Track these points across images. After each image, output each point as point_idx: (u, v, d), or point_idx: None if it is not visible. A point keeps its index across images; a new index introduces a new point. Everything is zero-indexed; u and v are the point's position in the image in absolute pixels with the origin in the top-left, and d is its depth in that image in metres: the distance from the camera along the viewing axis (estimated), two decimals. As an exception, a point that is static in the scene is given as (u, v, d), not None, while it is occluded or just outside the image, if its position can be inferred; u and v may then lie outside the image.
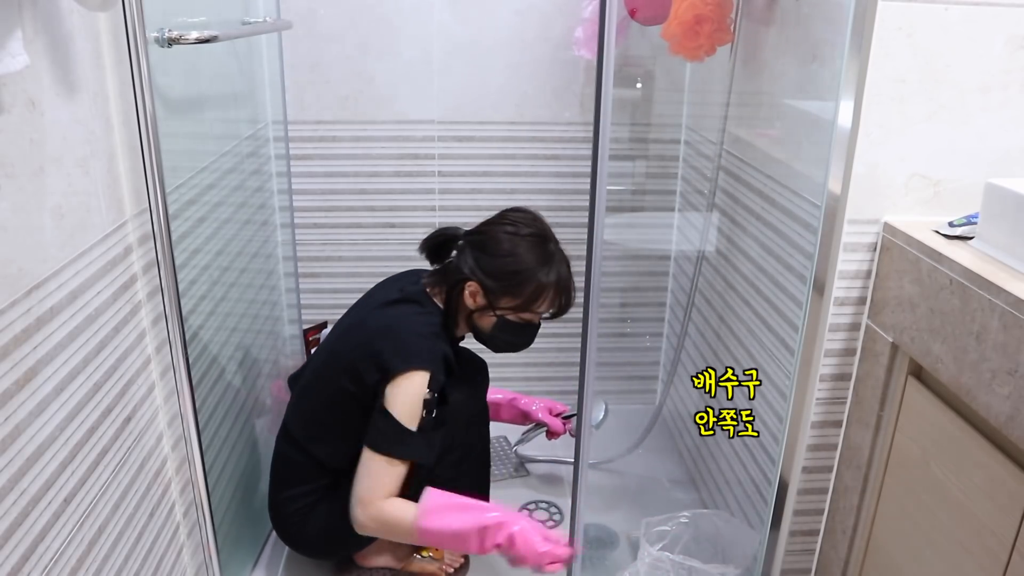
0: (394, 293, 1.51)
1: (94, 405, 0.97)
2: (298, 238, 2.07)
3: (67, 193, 0.91)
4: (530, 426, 1.89)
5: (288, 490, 1.55)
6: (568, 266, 1.49)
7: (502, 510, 1.36)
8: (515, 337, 1.53)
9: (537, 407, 1.86)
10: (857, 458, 1.31)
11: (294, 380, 1.64)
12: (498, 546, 1.32)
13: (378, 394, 1.38)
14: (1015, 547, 0.96)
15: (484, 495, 1.62)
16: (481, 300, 1.47)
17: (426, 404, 1.37)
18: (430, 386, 1.38)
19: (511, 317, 1.48)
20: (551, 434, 1.84)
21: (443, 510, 1.36)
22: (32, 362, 0.83)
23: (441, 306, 1.50)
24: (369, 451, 1.37)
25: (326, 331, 2.09)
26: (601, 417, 1.84)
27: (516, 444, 2.03)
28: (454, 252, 1.53)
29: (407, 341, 1.40)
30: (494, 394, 1.81)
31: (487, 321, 1.50)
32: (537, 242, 1.46)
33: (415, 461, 1.39)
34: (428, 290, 1.52)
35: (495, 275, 1.44)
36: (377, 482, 1.36)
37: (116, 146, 1.04)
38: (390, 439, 1.36)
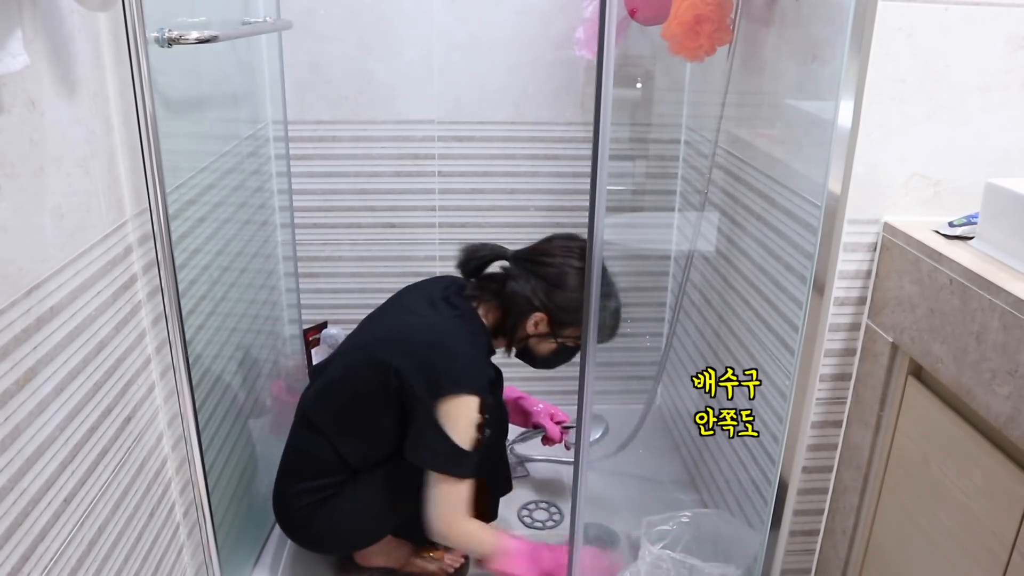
0: (443, 306, 1.50)
1: (94, 405, 0.97)
2: (298, 238, 2.07)
3: (67, 193, 0.91)
4: (529, 428, 1.89)
5: (300, 483, 1.53)
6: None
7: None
8: (564, 359, 1.59)
9: (539, 409, 1.86)
10: (857, 458, 1.31)
11: (319, 371, 1.62)
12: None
13: (421, 406, 1.40)
14: (1015, 547, 0.96)
15: (504, 492, 1.72)
16: (544, 328, 1.51)
17: (479, 427, 1.41)
18: (481, 410, 1.41)
19: (569, 343, 1.54)
20: (547, 439, 1.84)
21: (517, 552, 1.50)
22: (32, 362, 0.83)
23: (488, 323, 1.53)
24: (435, 474, 1.42)
25: (327, 331, 2.10)
26: (598, 436, 1.85)
27: (512, 443, 2.03)
28: (496, 269, 1.57)
29: (461, 364, 1.43)
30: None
31: (545, 347, 1.54)
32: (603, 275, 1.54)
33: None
34: (475, 304, 1.53)
35: (567, 309, 1.49)
36: (455, 500, 1.44)
37: (116, 146, 1.04)
38: (452, 461, 1.41)
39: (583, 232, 1.10)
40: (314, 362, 2.12)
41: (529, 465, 2.06)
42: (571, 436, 1.85)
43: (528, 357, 1.59)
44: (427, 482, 1.43)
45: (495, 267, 1.58)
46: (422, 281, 1.65)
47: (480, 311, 1.53)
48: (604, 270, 1.52)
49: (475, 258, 1.57)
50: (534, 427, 1.87)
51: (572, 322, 1.50)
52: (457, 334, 1.46)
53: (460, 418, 1.40)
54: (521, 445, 2.01)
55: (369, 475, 1.52)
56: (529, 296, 1.49)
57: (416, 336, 1.46)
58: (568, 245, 1.53)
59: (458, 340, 1.45)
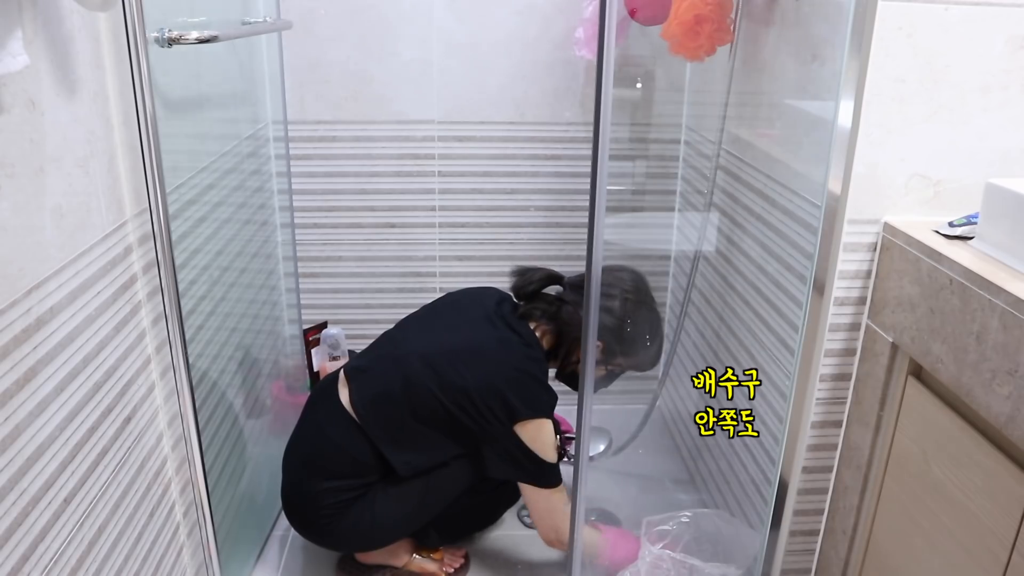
0: (496, 318, 1.54)
1: (94, 405, 0.97)
2: (298, 238, 2.07)
3: (67, 193, 0.91)
4: None
5: (333, 481, 1.51)
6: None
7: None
8: (606, 386, 1.65)
9: None
10: (857, 458, 1.31)
11: (358, 371, 1.56)
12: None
13: (500, 428, 1.46)
14: (1015, 547, 0.96)
15: (513, 502, 1.78)
16: (598, 356, 1.54)
17: (556, 446, 1.52)
18: (555, 431, 1.51)
19: (618, 371, 1.62)
20: None
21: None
22: (32, 362, 0.83)
23: (545, 346, 1.56)
24: (543, 490, 1.52)
25: (327, 331, 2.10)
26: (602, 450, 1.87)
27: None
28: (550, 292, 1.61)
29: (535, 391, 1.49)
30: None
31: (596, 373, 1.55)
32: (653, 312, 1.63)
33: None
34: (532, 327, 1.56)
35: (623, 341, 1.56)
36: (560, 514, 1.51)
37: (116, 146, 1.04)
38: (552, 475, 1.51)
39: (583, 232, 1.10)
40: (314, 362, 2.12)
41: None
42: (572, 448, 1.85)
43: (574, 381, 1.62)
44: (527, 499, 1.55)
45: (548, 289, 1.62)
46: (469, 291, 1.67)
47: (537, 333, 1.56)
48: (656, 304, 1.63)
49: (532, 282, 1.60)
50: None
51: (626, 353, 1.58)
52: (526, 361, 1.50)
53: (541, 439, 1.47)
54: None
55: (400, 482, 1.51)
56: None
57: (486, 358, 1.49)
58: (625, 277, 1.62)
59: (528, 367, 1.50)
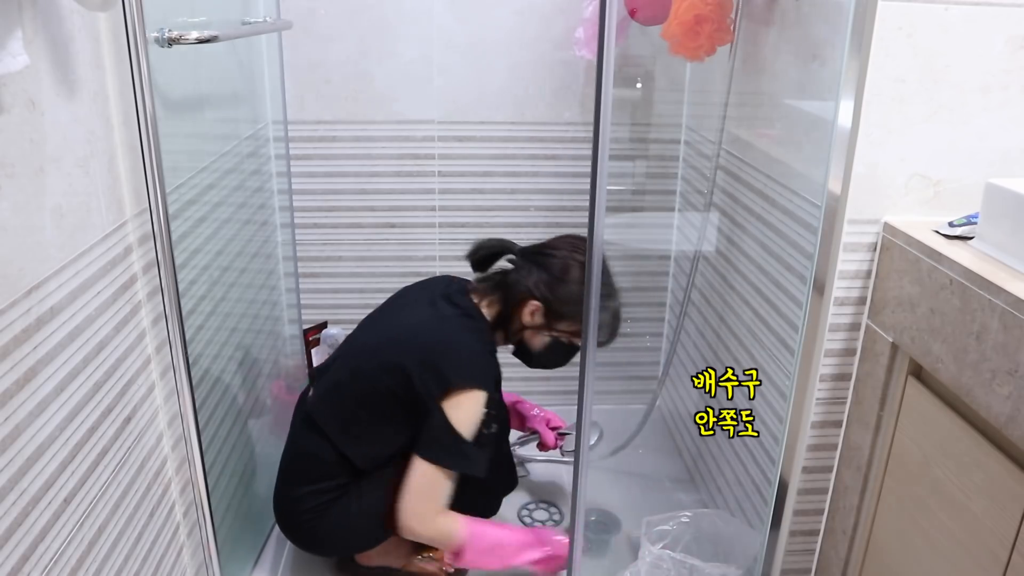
0: (444, 304, 1.50)
1: (94, 405, 0.97)
2: (298, 238, 2.07)
3: (67, 193, 0.91)
4: (526, 432, 1.89)
5: (305, 487, 1.52)
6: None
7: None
8: (559, 357, 1.57)
9: (536, 414, 1.86)
10: (857, 458, 1.31)
11: (320, 373, 1.61)
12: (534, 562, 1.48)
13: (428, 403, 1.40)
14: (1015, 547, 0.96)
15: (509, 489, 1.71)
16: (539, 319, 1.50)
17: (484, 421, 1.42)
18: (487, 405, 1.42)
19: (564, 339, 1.53)
20: (541, 445, 1.84)
21: (487, 544, 1.49)
22: (32, 362, 0.83)
23: (488, 318, 1.52)
24: (427, 464, 1.41)
25: (327, 331, 2.10)
26: (593, 442, 1.86)
27: (512, 445, 2.02)
28: (504, 264, 1.57)
29: (467, 359, 1.43)
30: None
31: (539, 340, 1.53)
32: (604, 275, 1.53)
33: (471, 474, 1.44)
34: (476, 300, 1.53)
35: (565, 300, 1.48)
36: (435, 494, 1.42)
37: (116, 146, 1.04)
38: (453, 453, 1.40)
39: (583, 232, 1.10)
40: (314, 362, 2.12)
41: (529, 465, 2.06)
42: (566, 443, 1.85)
43: (523, 354, 1.59)
44: (411, 470, 1.41)
45: (502, 263, 1.59)
46: (422, 281, 1.65)
47: (482, 306, 1.53)
48: (607, 272, 1.52)
49: (482, 247, 1.57)
50: (530, 432, 1.87)
51: (568, 315, 1.49)
52: (461, 331, 1.46)
53: (465, 411, 1.40)
54: (520, 448, 2.01)
55: (374, 476, 1.52)
56: (529, 286, 1.49)
57: (420, 335, 1.46)
58: (575, 242, 1.54)
59: (462, 336, 1.45)
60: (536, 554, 1.49)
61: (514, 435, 1.92)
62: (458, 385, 1.40)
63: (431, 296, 1.54)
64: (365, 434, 1.49)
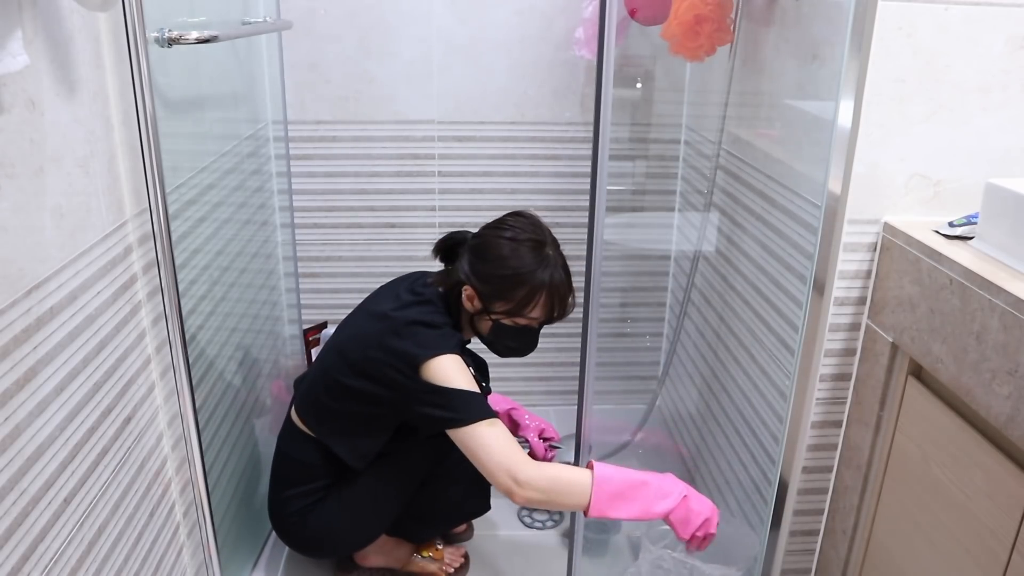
0: (405, 294, 1.50)
1: (94, 405, 0.97)
2: (298, 238, 2.07)
3: (67, 193, 0.91)
4: (519, 439, 1.89)
5: (289, 489, 1.55)
6: (566, 272, 1.46)
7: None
8: (514, 342, 1.52)
9: (529, 423, 1.82)
10: (857, 458, 1.31)
11: (300, 382, 1.63)
12: (668, 511, 1.28)
13: (407, 384, 1.37)
14: (1015, 547, 0.96)
15: (487, 495, 1.64)
16: (477, 304, 1.47)
17: (473, 376, 1.38)
18: (464, 364, 1.39)
19: (506, 321, 1.47)
20: (531, 455, 1.83)
21: (615, 487, 1.28)
22: (32, 362, 0.83)
23: (444, 305, 1.50)
24: (465, 430, 1.31)
25: (327, 331, 2.10)
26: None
27: None
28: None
29: (427, 334, 1.40)
30: (496, 401, 1.82)
31: (484, 325, 1.51)
32: (531, 247, 1.44)
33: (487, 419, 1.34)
34: (439, 289, 1.51)
35: (487, 279, 1.44)
36: (506, 449, 1.30)
37: (116, 146, 1.04)
38: (476, 407, 1.33)
39: (583, 232, 1.10)
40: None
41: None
42: (557, 457, 1.84)
43: (483, 340, 1.56)
44: (462, 449, 1.33)
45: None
46: (392, 280, 1.63)
47: (440, 290, 1.51)
48: (542, 243, 1.43)
49: (444, 239, 1.55)
50: (522, 440, 1.86)
51: (495, 295, 1.44)
52: (420, 315, 1.44)
53: (447, 372, 1.36)
54: None
55: (356, 476, 1.52)
56: (461, 272, 1.47)
57: (380, 326, 1.45)
58: (508, 220, 1.48)
59: (416, 317, 1.43)
60: (670, 503, 1.28)
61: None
62: (426, 356, 1.36)
63: (395, 291, 1.53)
64: (352, 431, 1.49)
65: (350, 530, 1.56)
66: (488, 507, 1.68)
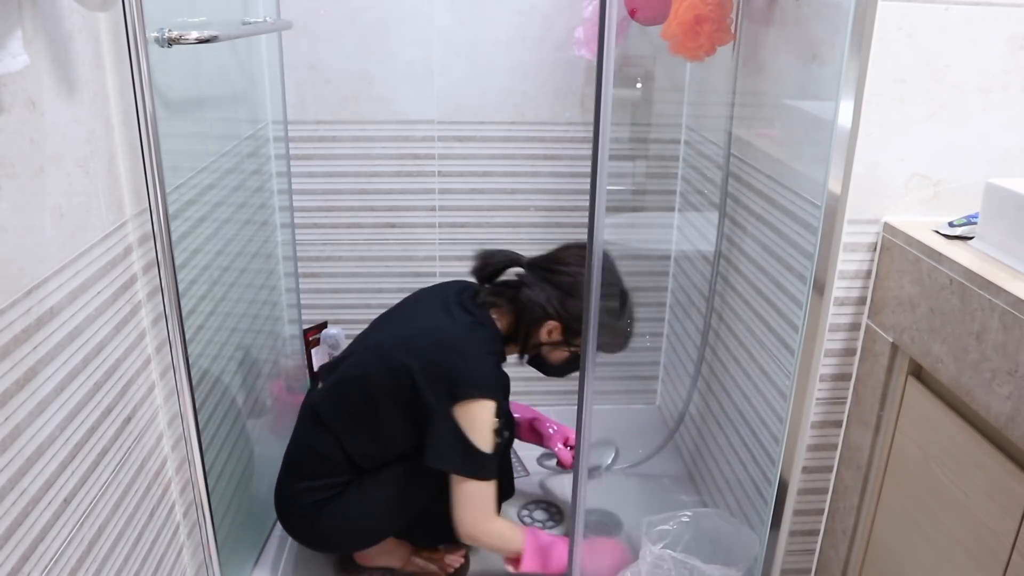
0: (458, 311, 1.51)
1: (94, 405, 0.97)
2: (298, 238, 2.07)
3: (67, 193, 0.91)
4: (547, 452, 1.89)
5: (305, 481, 1.53)
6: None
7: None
8: (576, 369, 1.57)
9: (553, 433, 1.84)
10: (857, 458, 1.31)
11: (329, 369, 1.61)
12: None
13: (436, 410, 1.41)
14: (1015, 547, 0.96)
15: (507, 496, 1.72)
16: (557, 337, 1.52)
17: (497, 431, 1.44)
18: (497, 414, 1.43)
19: (575, 351, 1.54)
20: (560, 463, 1.84)
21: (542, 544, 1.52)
22: (32, 362, 0.83)
23: (501, 329, 1.53)
24: (461, 478, 1.44)
25: (327, 331, 2.10)
26: (609, 461, 1.85)
27: (540, 459, 2.01)
28: (512, 277, 1.58)
29: (477, 369, 1.44)
30: (518, 409, 1.84)
31: (557, 355, 1.55)
32: (619, 290, 1.56)
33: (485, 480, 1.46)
34: (488, 310, 1.53)
35: (579, 316, 1.49)
36: (484, 504, 1.46)
37: (116, 146, 1.04)
38: (475, 463, 1.43)
39: (583, 232, 1.10)
40: (314, 362, 2.12)
41: (529, 465, 2.06)
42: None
43: (540, 365, 1.60)
44: (452, 486, 1.45)
45: (509, 274, 1.59)
46: (435, 285, 1.65)
47: (494, 316, 1.53)
48: (616, 276, 1.54)
49: (490, 264, 1.58)
50: (549, 450, 1.87)
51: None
52: (472, 339, 1.47)
53: (478, 421, 1.41)
54: (546, 461, 1.99)
55: (375, 476, 1.52)
56: (544, 304, 1.50)
57: (431, 339, 1.47)
58: (583, 254, 1.53)
59: (473, 345, 1.46)
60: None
61: (539, 450, 1.92)
62: (470, 395, 1.41)
63: (444, 301, 1.54)
64: (366, 430, 1.50)
65: (362, 529, 1.56)
66: None
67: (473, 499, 1.45)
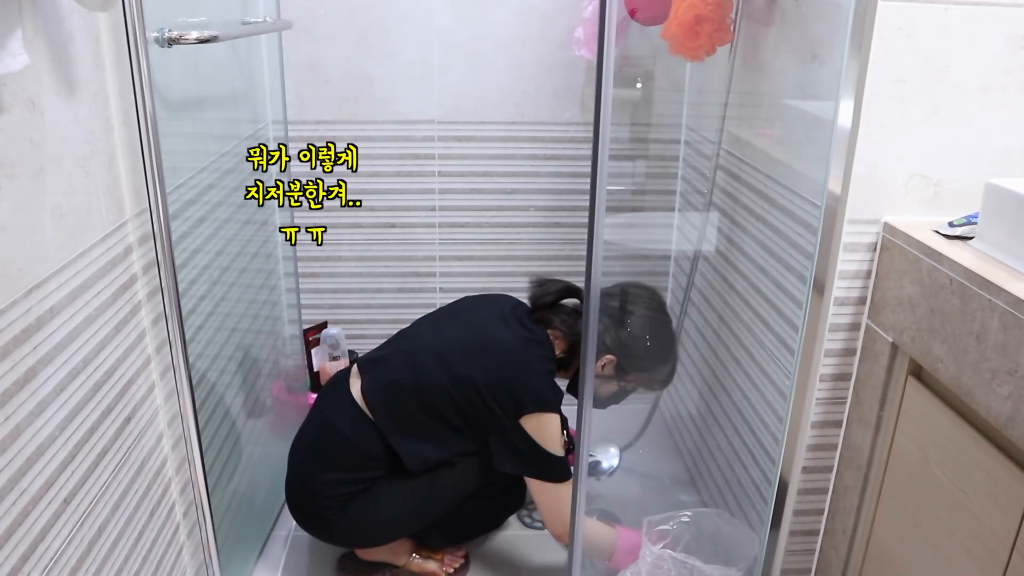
0: (516, 326, 1.53)
1: (94, 405, 0.97)
2: (298, 238, 2.07)
3: (67, 193, 0.91)
4: None
5: (337, 473, 1.51)
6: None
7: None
8: (618, 402, 1.65)
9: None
10: (857, 458, 1.31)
11: (372, 363, 1.57)
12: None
13: (502, 421, 1.46)
14: (1015, 547, 0.96)
15: (517, 507, 1.80)
16: (610, 371, 1.56)
17: (565, 441, 1.51)
18: (562, 425, 1.51)
19: (630, 388, 1.61)
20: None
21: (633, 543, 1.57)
22: (32, 362, 0.83)
23: (557, 352, 1.55)
24: (549, 484, 1.50)
25: (326, 331, 2.10)
26: (615, 465, 1.86)
27: None
28: (568, 303, 1.61)
29: (541, 387, 1.49)
30: None
31: (606, 388, 1.59)
32: (668, 329, 1.65)
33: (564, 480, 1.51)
34: (549, 331, 1.55)
35: (637, 356, 1.56)
36: (565, 508, 1.46)
37: (116, 146, 1.04)
38: (553, 468, 1.49)
39: (583, 232, 1.10)
40: (314, 362, 2.12)
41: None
42: (591, 470, 1.85)
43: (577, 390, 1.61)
44: (534, 493, 1.52)
45: (566, 303, 1.62)
46: (485, 295, 1.68)
47: (551, 335, 1.55)
48: (671, 322, 1.62)
49: (550, 292, 1.59)
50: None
51: (639, 368, 1.57)
52: (536, 356, 1.50)
53: (548, 432, 1.47)
54: None
55: (410, 476, 1.51)
56: (605, 340, 1.52)
57: (495, 353, 1.49)
58: (647, 295, 1.62)
59: (537, 362, 1.50)
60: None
61: None
62: (537, 409, 1.46)
63: (501, 313, 1.56)
64: (421, 436, 1.50)
65: (386, 527, 1.56)
66: (499, 524, 1.79)
67: (559, 502, 1.49)
